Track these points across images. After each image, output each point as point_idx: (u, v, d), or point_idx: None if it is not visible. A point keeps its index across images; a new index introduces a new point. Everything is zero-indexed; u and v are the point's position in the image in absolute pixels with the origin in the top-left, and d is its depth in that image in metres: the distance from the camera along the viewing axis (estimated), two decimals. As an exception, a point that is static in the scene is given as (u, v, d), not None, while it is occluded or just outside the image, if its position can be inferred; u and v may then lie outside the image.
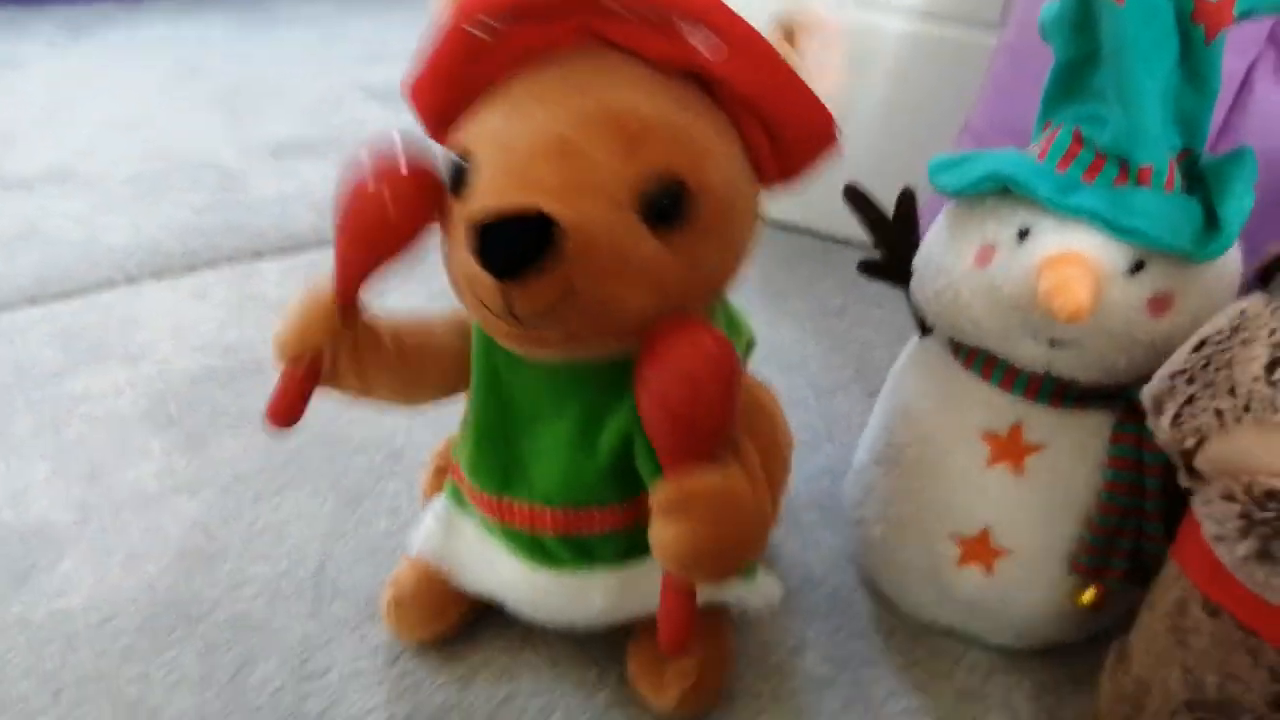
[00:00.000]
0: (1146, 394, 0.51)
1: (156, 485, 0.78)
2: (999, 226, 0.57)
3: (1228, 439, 0.46)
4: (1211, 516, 0.47)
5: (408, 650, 0.66)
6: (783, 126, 0.50)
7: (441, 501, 0.64)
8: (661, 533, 0.48)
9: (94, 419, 0.85)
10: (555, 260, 0.44)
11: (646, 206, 0.46)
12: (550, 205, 0.44)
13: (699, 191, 0.47)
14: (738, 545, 0.49)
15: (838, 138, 0.51)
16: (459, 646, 0.66)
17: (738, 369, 0.48)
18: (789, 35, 0.50)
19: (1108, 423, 0.60)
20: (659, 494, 0.48)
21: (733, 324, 0.58)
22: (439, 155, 0.51)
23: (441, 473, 0.70)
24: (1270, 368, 0.45)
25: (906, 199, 0.65)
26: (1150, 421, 0.51)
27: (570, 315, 0.46)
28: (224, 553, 0.73)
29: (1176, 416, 0.48)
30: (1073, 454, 0.60)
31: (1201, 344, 0.48)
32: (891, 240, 0.66)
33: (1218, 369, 0.47)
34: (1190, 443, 0.48)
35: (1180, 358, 0.49)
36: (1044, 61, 0.58)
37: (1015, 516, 0.62)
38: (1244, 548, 0.45)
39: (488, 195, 0.46)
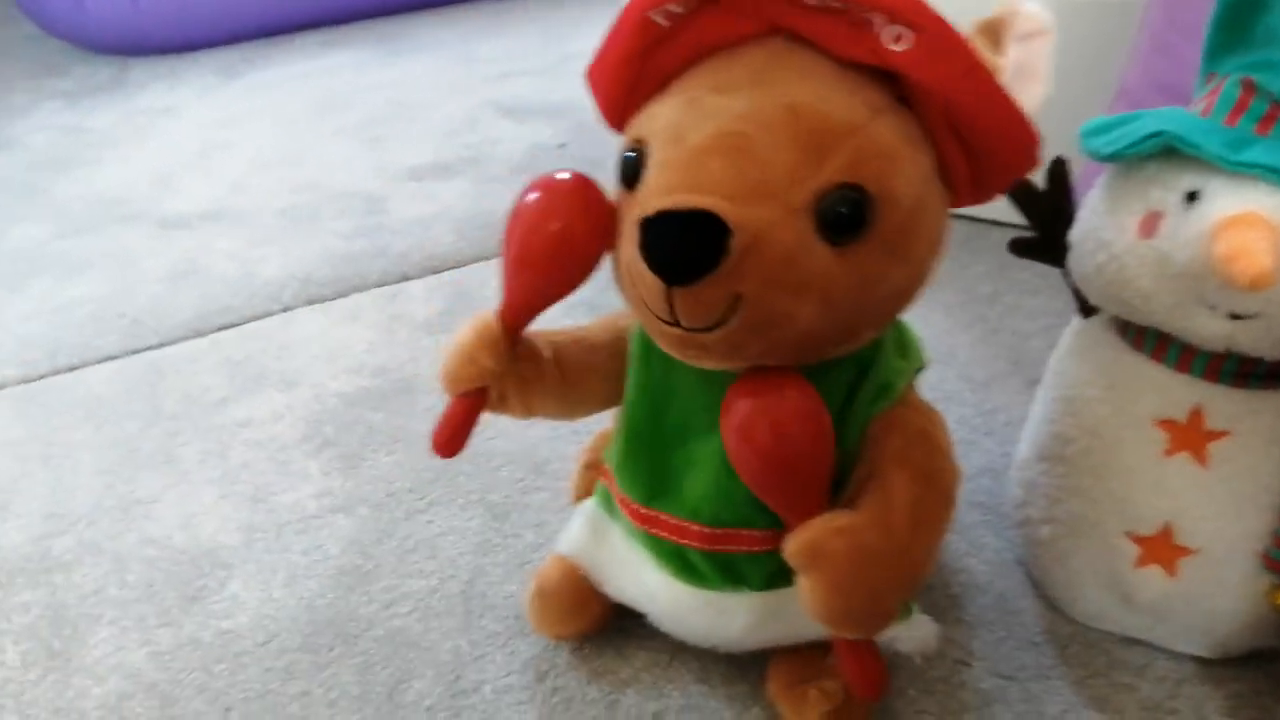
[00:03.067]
0: None
1: (315, 505, 0.81)
2: (1164, 191, 0.52)
3: None
4: None
5: (556, 664, 0.65)
6: (978, 134, 0.45)
7: (591, 504, 0.63)
8: (801, 589, 0.47)
9: (256, 443, 0.88)
10: (724, 266, 0.42)
11: (823, 215, 0.43)
12: (722, 207, 0.42)
13: (881, 202, 0.44)
14: (873, 596, 0.47)
15: (1037, 152, 0.47)
16: (608, 661, 0.65)
17: (825, 421, 0.47)
18: (993, 37, 0.46)
19: (1303, 403, 0.54)
20: (786, 551, 0.47)
21: (904, 347, 0.55)
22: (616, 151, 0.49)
23: (590, 469, 0.69)
24: None
25: (1059, 168, 0.60)
26: None
27: (736, 325, 0.44)
28: (379, 570, 0.74)
29: None
30: (1262, 439, 0.55)
31: None
32: (1044, 215, 0.61)
33: None
34: None
35: None
36: (1203, 11, 0.53)
37: (1200, 511, 0.57)
38: None
39: (658, 191, 0.44)
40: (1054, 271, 0.64)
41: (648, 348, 0.54)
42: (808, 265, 0.43)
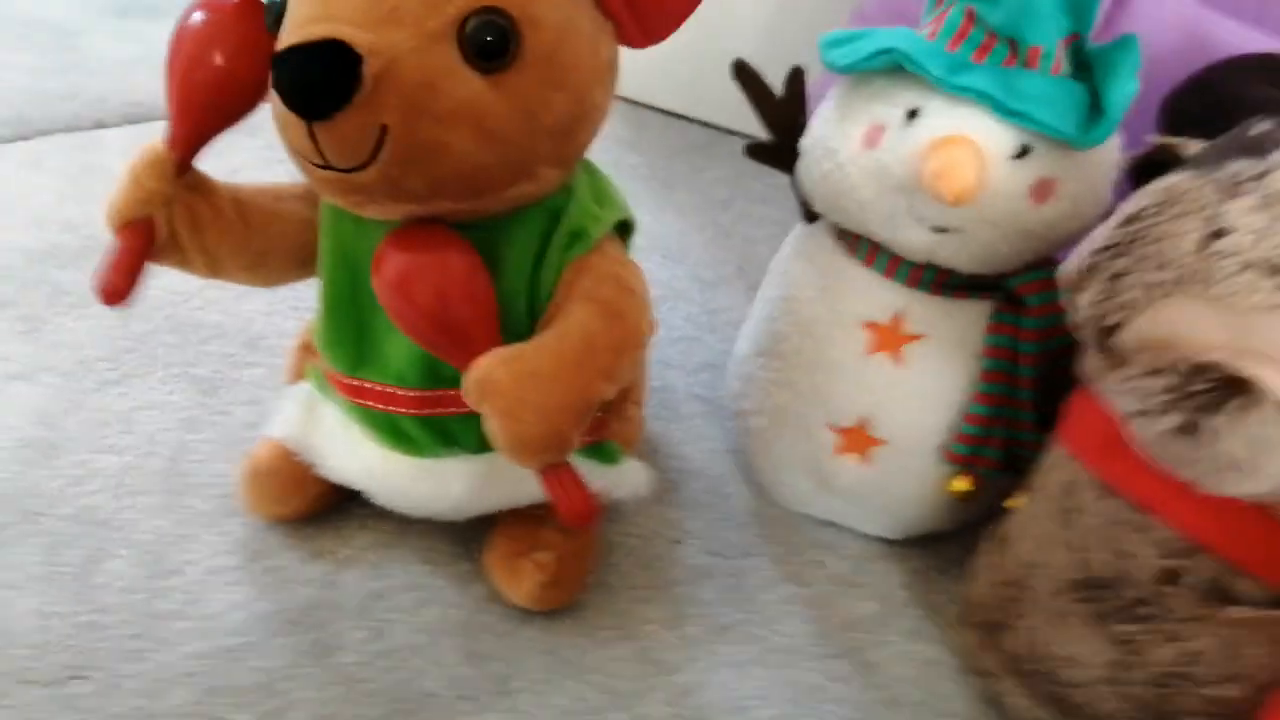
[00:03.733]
0: (1066, 271, 0.50)
1: (-10, 372, 0.72)
2: (888, 106, 0.55)
3: (1155, 314, 0.46)
4: (1133, 392, 0.47)
5: (271, 545, 0.63)
6: None
7: (303, 385, 0.61)
8: (485, 422, 0.48)
9: (-85, 299, 0.77)
10: (359, 94, 0.41)
11: (466, 41, 0.43)
12: (351, 34, 0.41)
13: (527, 27, 0.44)
14: (544, 419, 0.48)
15: None
16: (327, 541, 0.63)
17: (479, 271, 0.48)
18: None
19: (986, 313, 0.60)
20: (463, 390, 0.48)
21: (601, 197, 0.55)
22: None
23: (307, 350, 0.66)
24: (1203, 242, 0.44)
25: (796, 77, 0.63)
26: (1067, 300, 0.50)
27: (386, 159, 0.43)
28: (66, 443, 0.67)
29: (1101, 293, 0.47)
30: (951, 344, 0.61)
31: (1129, 219, 0.47)
32: (780, 120, 0.64)
33: (1148, 243, 0.46)
34: (1114, 319, 0.47)
35: (1105, 233, 0.48)
36: (940, -56, 0.56)
37: (893, 406, 0.62)
38: (1168, 421, 0.45)
39: (292, 27, 0.43)
40: (784, 181, 0.67)
41: (336, 209, 0.52)
42: (454, 93, 0.43)
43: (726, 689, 0.59)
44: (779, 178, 0.67)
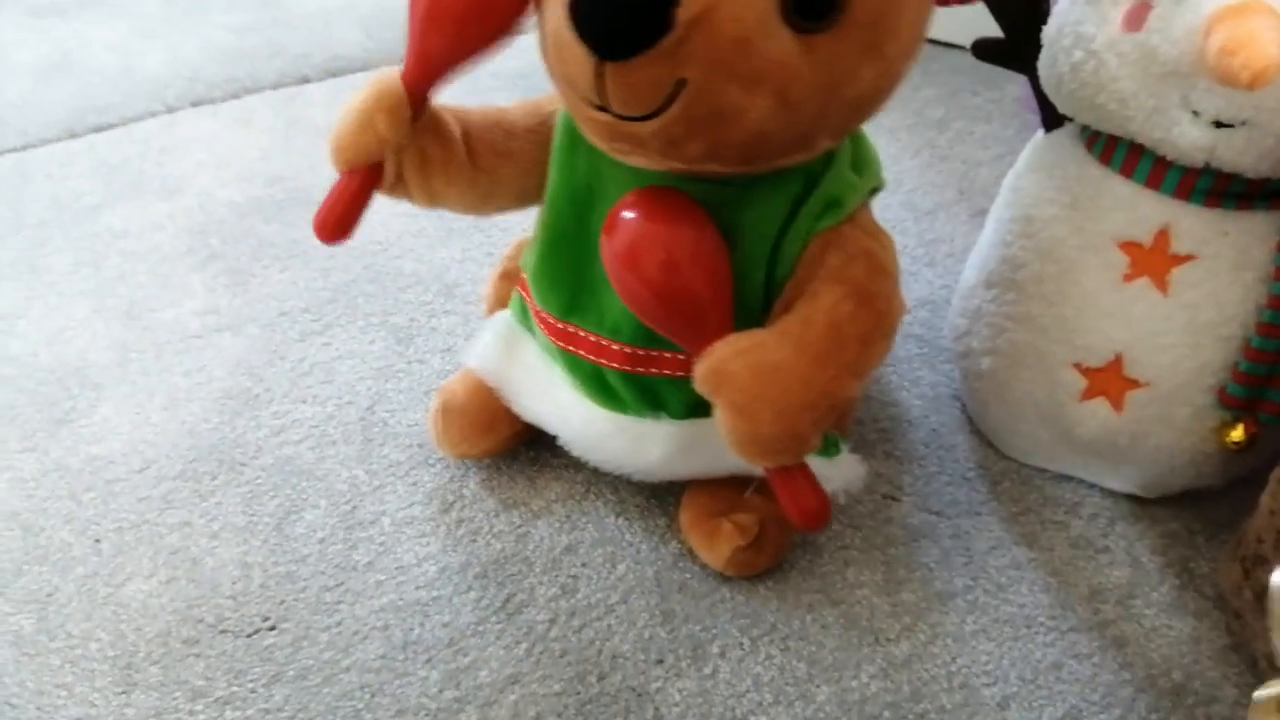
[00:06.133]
0: None
1: (199, 324, 0.74)
2: (1157, -24, 0.46)
3: None
4: None
5: (462, 495, 0.61)
6: None
7: (505, 315, 0.58)
8: (716, 414, 0.44)
9: (134, 254, 0.80)
10: (666, 41, 0.36)
11: None
12: None
13: None
14: (781, 419, 0.43)
15: None
16: (519, 492, 0.61)
17: (720, 256, 0.44)
18: None
19: (1276, 228, 0.50)
20: (695, 378, 0.44)
21: (860, 162, 0.50)
22: None
23: (507, 278, 0.63)
24: None
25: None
26: None
27: (675, 115, 0.39)
28: (269, 394, 0.68)
29: None
30: (1230, 266, 0.51)
31: None
32: (1016, 8, 0.54)
33: None
34: None
35: None
36: None
37: (1155, 341, 0.53)
38: None
39: None
40: (1007, 97, 0.59)
41: (575, 138, 0.48)
42: (766, 52, 0.38)
43: (947, 663, 0.53)
44: (1002, 91, 0.59)
